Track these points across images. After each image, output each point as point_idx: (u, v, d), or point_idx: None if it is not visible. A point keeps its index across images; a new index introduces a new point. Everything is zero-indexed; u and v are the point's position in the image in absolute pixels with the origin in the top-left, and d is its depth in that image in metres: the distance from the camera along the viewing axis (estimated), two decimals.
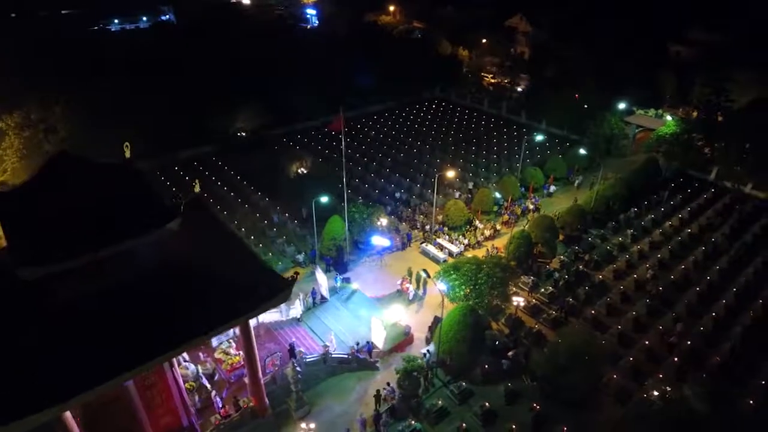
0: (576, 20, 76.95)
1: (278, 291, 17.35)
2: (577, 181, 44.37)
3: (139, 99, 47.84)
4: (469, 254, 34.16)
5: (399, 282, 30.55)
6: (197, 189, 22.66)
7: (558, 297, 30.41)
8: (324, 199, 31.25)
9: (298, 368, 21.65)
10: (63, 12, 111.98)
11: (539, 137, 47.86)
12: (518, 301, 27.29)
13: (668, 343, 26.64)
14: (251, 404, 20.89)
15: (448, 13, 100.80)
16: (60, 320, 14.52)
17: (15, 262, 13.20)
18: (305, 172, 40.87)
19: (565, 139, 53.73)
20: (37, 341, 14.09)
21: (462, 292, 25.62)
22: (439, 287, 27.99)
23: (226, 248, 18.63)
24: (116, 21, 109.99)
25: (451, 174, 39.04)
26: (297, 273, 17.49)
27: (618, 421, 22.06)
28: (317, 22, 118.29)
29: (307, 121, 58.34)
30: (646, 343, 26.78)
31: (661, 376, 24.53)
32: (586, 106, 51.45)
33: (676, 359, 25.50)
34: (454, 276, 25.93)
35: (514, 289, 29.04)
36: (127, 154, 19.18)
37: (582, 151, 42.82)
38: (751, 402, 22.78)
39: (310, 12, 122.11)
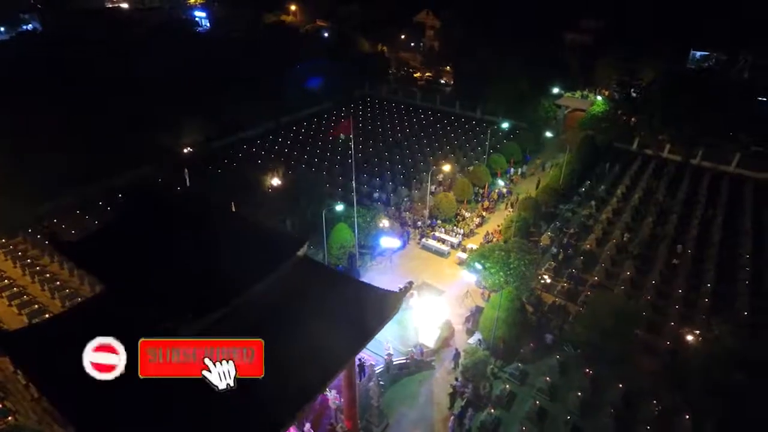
0: (474, 15, 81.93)
1: (392, 306, 16.78)
2: (520, 170, 47.63)
3: (51, 120, 42.06)
4: (465, 243, 35.62)
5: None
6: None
7: (560, 270, 32.96)
8: (339, 207, 30.27)
9: (381, 382, 21.10)
10: None
11: (505, 125, 50.44)
12: (544, 279, 29.13)
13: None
14: (346, 428, 19.94)
15: (353, 10, 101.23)
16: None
17: (172, 319, 11.24)
18: (280, 182, 38.88)
19: (496, 124, 57.17)
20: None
21: (500, 279, 26.63)
22: (467, 278, 29.01)
23: (318, 274, 17.49)
24: None
25: (447, 168, 39.91)
26: (411, 282, 16.98)
27: (661, 369, 24.80)
28: (209, 24, 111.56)
29: (249, 130, 55.33)
30: (648, 298, 30.24)
31: (672, 323, 28.01)
32: (519, 93, 55.44)
33: (677, 307, 29.31)
34: (488, 264, 26.83)
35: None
36: (188, 182, 17.13)
37: (548, 134, 46.44)
38: None
39: (199, 14, 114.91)
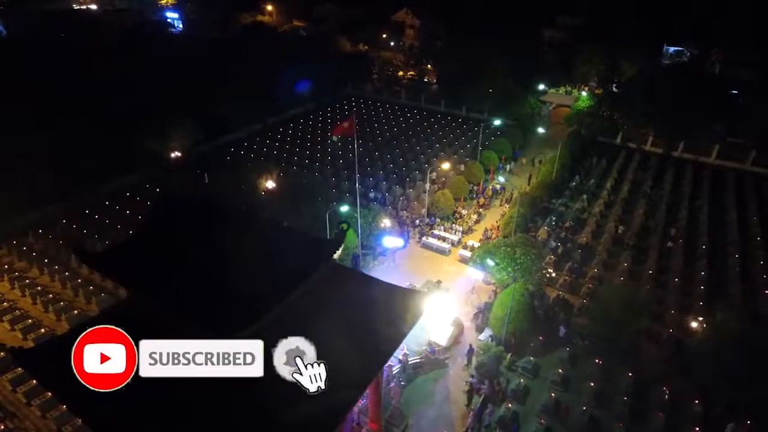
0: (453, 13, 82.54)
1: (420, 305, 16.74)
2: (509, 167, 48.20)
3: (27, 126, 40.67)
4: (465, 240, 35.85)
5: None
6: None
7: (560, 264, 33.48)
8: (344, 208, 30.02)
9: (402, 382, 21.03)
10: None
11: (497, 122, 50.69)
12: (549, 272, 29.53)
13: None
14: (371, 430, 19.80)
15: (329, 9, 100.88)
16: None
17: (225, 325, 10.90)
18: (275, 185, 38.28)
19: (485, 121, 57.67)
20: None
21: (509, 275, 26.85)
22: (473, 275, 29.20)
23: (344, 275, 17.28)
24: None
25: (446, 166, 40.01)
26: (440, 281, 16.93)
27: (668, 356, 25.47)
28: (182, 25, 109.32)
29: (236, 133, 54.46)
30: (647, 287, 30.99)
31: (673, 311, 28.80)
32: (503, 90, 56.20)
33: (675, 295, 30.17)
34: (498, 260, 27.02)
35: None
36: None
37: (541, 130, 47.09)
38: None
39: (172, 15, 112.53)
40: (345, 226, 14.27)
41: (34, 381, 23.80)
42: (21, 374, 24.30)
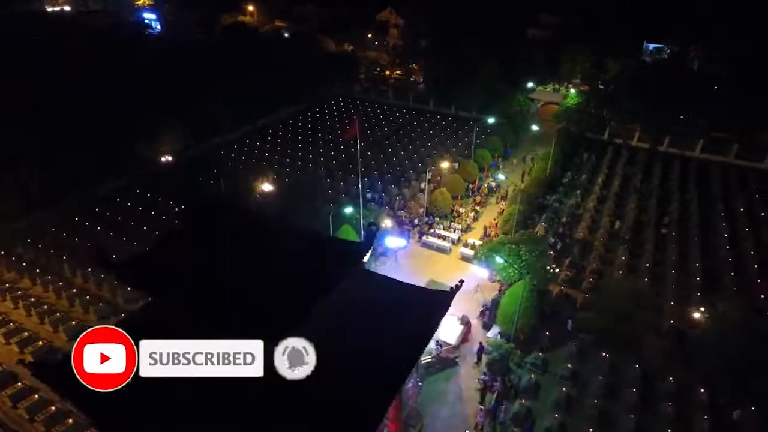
0: (438, 12, 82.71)
1: (444, 306, 16.73)
2: (500, 164, 48.51)
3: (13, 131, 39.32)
4: (465, 239, 35.99)
5: None
6: None
7: (560, 259, 33.86)
8: (348, 210, 29.81)
9: (420, 383, 21.00)
10: None
11: (491, 120, 50.91)
12: (553, 268, 29.83)
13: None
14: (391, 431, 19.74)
15: (309, 10, 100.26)
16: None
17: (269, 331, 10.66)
18: (272, 187, 37.76)
19: (475, 120, 57.99)
20: None
21: (515, 272, 27.06)
22: (478, 273, 29.34)
23: (367, 278, 17.15)
24: None
25: (445, 165, 40.04)
26: (462, 281, 16.97)
27: (669, 348, 26.05)
28: (160, 27, 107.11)
29: (225, 135, 53.63)
30: (646, 280, 31.62)
31: (672, 303, 29.44)
32: (492, 88, 56.59)
33: (673, 287, 30.85)
34: (505, 257, 27.19)
35: None
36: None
37: (534, 127, 47.53)
38: None
39: (149, 17, 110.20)
40: (374, 227, 14.08)
41: (36, 396, 23.20)
42: (21, 389, 23.65)
